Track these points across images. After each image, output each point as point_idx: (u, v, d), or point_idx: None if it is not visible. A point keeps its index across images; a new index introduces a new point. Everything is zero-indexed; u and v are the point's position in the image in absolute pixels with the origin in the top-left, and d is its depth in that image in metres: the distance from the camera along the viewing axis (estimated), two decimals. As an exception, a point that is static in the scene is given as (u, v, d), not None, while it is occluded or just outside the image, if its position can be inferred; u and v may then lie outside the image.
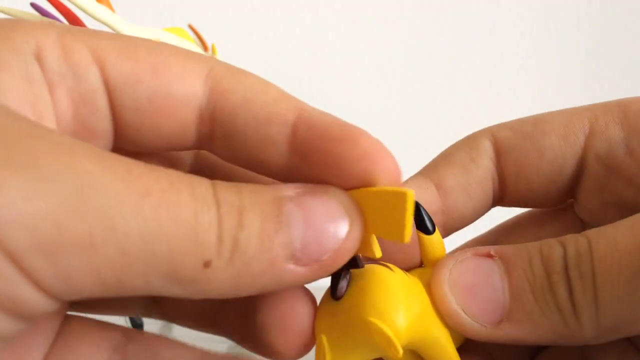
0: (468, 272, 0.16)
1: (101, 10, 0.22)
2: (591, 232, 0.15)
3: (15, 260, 0.11)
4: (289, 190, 0.14)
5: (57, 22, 0.15)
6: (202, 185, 0.13)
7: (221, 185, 0.13)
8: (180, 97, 0.15)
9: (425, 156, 0.24)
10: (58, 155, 0.11)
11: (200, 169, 0.17)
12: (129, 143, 0.15)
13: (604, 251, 0.14)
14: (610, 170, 0.17)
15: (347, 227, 0.14)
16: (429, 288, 0.16)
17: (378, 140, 0.15)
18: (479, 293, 0.15)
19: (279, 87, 0.16)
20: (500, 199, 0.18)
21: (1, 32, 0.13)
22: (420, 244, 0.16)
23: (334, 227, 0.14)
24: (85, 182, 0.11)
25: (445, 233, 0.18)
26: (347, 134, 0.15)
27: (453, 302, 0.15)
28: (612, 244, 0.14)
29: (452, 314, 0.15)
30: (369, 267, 0.15)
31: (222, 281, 0.12)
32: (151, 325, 0.29)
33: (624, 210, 0.16)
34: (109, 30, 0.22)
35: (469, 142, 0.18)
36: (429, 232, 0.16)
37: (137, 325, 0.27)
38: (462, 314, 0.15)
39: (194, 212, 0.12)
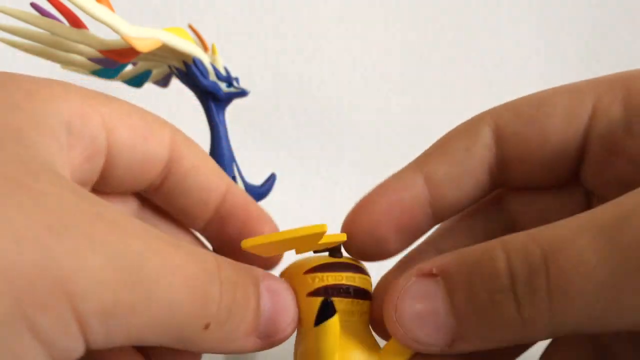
0: (412, 301, 0.16)
1: (101, 10, 0.22)
2: (543, 239, 0.14)
3: (80, 321, 0.13)
4: (259, 272, 0.17)
5: (76, 86, 0.18)
6: (209, 260, 0.16)
7: (223, 261, 0.16)
8: (158, 158, 0.19)
9: (425, 156, 0.24)
10: (118, 235, 0.14)
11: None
12: (103, 186, 0.19)
13: (565, 264, 0.14)
14: (611, 150, 0.17)
15: (293, 321, 0.17)
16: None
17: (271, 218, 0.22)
18: (425, 321, 0.15)
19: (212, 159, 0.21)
20: (502, 182, 0.19)
21: (40, 100, 0.16)
22: None
23: (289, 316, 0.17)
24: (135, 259, 0.14)
25: (435, 222, 0.19)
26: (261, 214, 0.22)
27: (404, 335, 0.16)
28: (576, 257, 0.13)
29: (407, 344, 0.16)
30: None
31: (212, 342, 0.15)
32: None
33: (625, 187, 0.15)
34: (109, 30, 0.22)
35: (467, 129, 0.19)
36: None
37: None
38: (415, 343, 0.16)
39: (206, 285, 0.15)
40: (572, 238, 0.14)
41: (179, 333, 0.15)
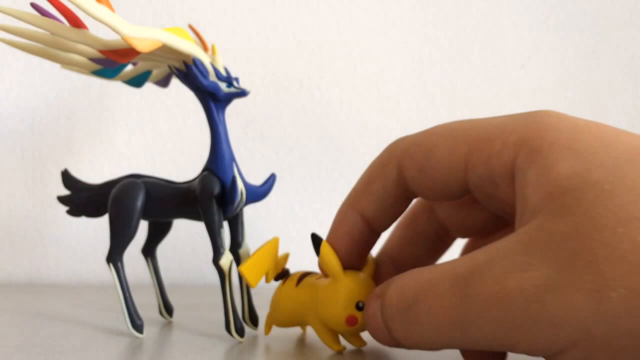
0: (370, 316, 0.23)
1: (101, 10, 0.22)
2: (419, 280, 0.21)
3: None
4: None
5: None
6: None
7: None
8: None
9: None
10: None
11: None
12: None
13: (429, 304, 0.20)
14: (485, 194, 0.22)
15: None
16: (324, 291, 0.25)
17: None
18: (376, 330, 0.22)
19: None
20: (414, 196, 0.25)
21: None
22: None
23: None
24: None
25: (377, 236, 0.25)
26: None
27: (370, 332, 0.23)
28: (438, 299, 0.20)
29: (373, 337, 0.23)
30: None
31: None
32: (151, 325, 0.29)
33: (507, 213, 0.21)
34: (109, 30, 0.22)
35: (381, 171, 0.24)
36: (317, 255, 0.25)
37: (137, 326, 0.27)
38: (375, 339, 0.23)
39: None
40: (437, 282, 0.20)
41: None
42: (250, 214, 0.42)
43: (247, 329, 0.28)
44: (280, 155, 0.47)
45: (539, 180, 0.19)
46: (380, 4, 0.48)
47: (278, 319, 0.27)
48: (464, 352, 0.24)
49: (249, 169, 0.37)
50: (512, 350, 0.19)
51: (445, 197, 0.23)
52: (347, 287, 0.24)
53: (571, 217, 0.17)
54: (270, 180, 0.29)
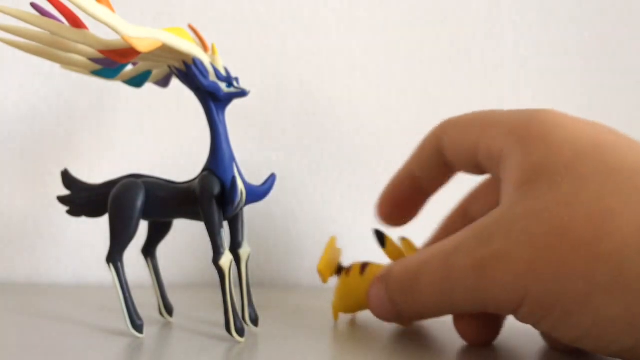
0: (373, 296, 0.28)
1: (101, 11, 0.22)
2: (417, 264, 0.25)
3: None
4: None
5: None
6: None
7: None
8: None
9: (425, 156, 0.24)
10: None
11: None
12: None
13: (424, 278, 0.25)
14: (492, 173, 0.26)
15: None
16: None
17: None
18: (379, 307, 0.27)
19: None
20: (453, 168, 0.30)
21: None
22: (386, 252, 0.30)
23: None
24: None
25: (424, 198, 0.32)
26: None
27: (372, 312, 0.28)
28: (430, 274, 0.24)
29: (375, 316, 0.28)
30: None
31: None
32: (151, 325, 0.29)
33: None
34: (109, 30, 0.22)
35: (429, 140, 0.30)
36: (382, 247, 0.30)
37: (137, 326, 0.27)
38: (377, 316, 0.28)
39: None
40: (431, 260, 0.24)
41: None
42: (250, 214, 0.42)
43: (247, 329, 0.28)
44: (280, 155, 0.47)
45: (515, 168, 0.23)
46: (380, 4, 0.48)
47: (346, 305, 0.31)
48: (456, 323, 0.28)
49: (249, 169, 0.37)
50: (487, 311, 0.23)
51: (467, 169, 0.28)
52: None
53: (527, 201, 0.22)
54: (270, 180, 0.29)
